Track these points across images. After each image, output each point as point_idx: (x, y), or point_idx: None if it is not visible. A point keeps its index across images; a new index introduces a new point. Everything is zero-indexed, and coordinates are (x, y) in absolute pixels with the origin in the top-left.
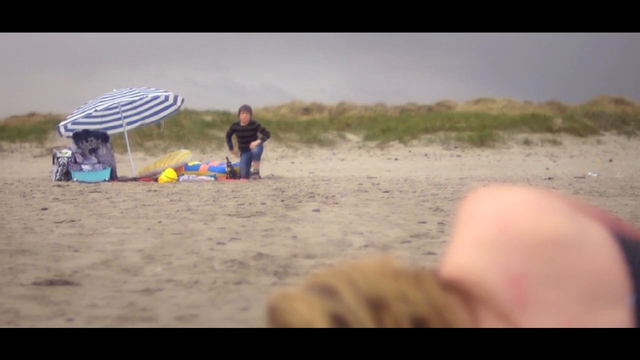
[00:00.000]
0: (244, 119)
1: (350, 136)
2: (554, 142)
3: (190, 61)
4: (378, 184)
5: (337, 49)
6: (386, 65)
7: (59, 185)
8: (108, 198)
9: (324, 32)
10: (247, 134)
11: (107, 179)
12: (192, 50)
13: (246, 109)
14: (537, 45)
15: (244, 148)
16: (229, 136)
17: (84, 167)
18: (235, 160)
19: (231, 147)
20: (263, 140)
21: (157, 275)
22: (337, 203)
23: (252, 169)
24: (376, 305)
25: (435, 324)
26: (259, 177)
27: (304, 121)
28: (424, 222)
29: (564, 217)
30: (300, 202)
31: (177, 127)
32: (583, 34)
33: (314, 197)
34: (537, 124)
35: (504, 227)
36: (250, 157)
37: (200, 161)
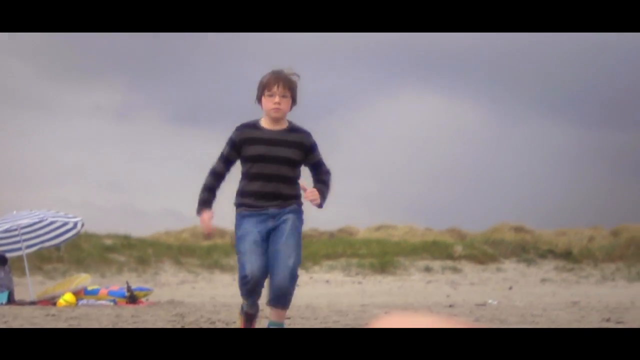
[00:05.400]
0: (274, 110)
1: None
2: (455, 269)
3: (90, 184)
4: None
5: (238, 174)
6: None
7: None
8: (5, 322)
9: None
10: (278, 159)
11: (4, 302)
12: (91, 173)
13: (281, 78)
14: (437, 172)
15: (262, 210)
16: (213, 175)
17: None
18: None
19: (205, 203)
20: (323, 190)
21: None
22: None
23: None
24: None
25: None
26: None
27: (206, 246)
28: None
29: None
30: (200, 327)
31: (76, 251)
32: (481, 162)
33: (214, 323)
34: (438, 250)
35: None
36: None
37: (99, 285)
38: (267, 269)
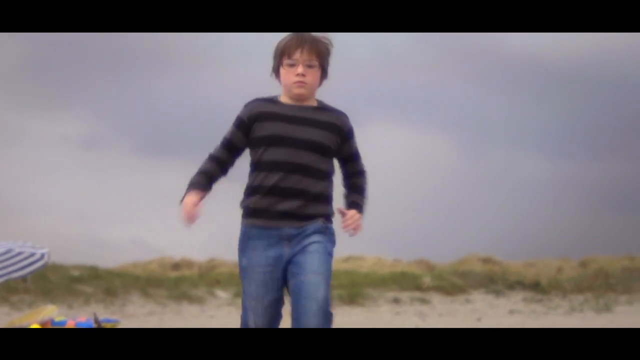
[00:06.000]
0: (297, 85)
1: (220, 293)
2: (423, 301)
3: (56, 214)
4: None
5: (205, 204)
6: None
7: None
8: None
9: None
10: (303, 143)
11: None
12: (58, 203)
13: (307, 41)
14: (405, 203)
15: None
16: (212, 160)
17: None
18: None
19: (194, 185)
20: (360, 203)
21: None
22: None
23: None
24: None
25: None
26: None
27: (174, 277)
28: None
29: None
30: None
31: (43, 282)
32: (449, 193)
33: None
34: (406, 282)
35: None
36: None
37: (66, 317)
38: (278, 320)
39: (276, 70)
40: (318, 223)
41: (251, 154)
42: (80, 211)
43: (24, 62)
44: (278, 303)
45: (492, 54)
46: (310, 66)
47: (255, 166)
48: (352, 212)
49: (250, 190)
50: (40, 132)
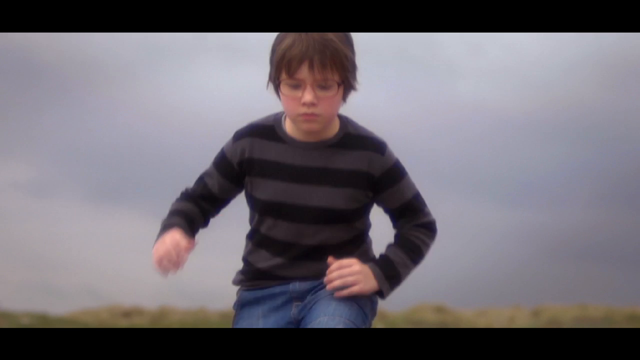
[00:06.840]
0: (304, 119)
1: None
2: None
3: (5, 261)
4: None
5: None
6: (208, 269)
7: None
8: None
9: (146, 229)
10: (311, 212)
11: None
12: (7, 250)
13: (317, 51)
14: None
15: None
16: (185, 199)
17: None
18: None
19: (169, 227)
20: (393, 262)
21: None
22: None
23: None
24: None
25: None
26: None
27: (124, 326)
28: None
29: None
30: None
31: None
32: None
33: None
34: None
35: None
36: None
37: None
38: None
39: (275, 84)
40: None
41: (250, 213)
42: (30, 258)
43: None
44: None
45: (441, 101)
46: (325, 87)
47: (252, 234)
48: (348, 262)
49: (246, 266)
50: None
